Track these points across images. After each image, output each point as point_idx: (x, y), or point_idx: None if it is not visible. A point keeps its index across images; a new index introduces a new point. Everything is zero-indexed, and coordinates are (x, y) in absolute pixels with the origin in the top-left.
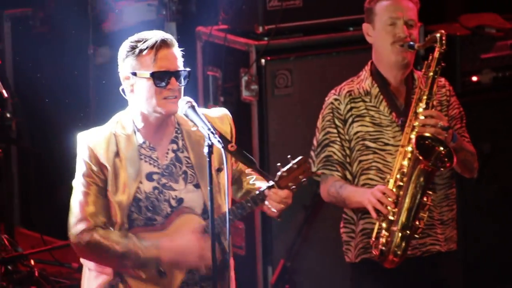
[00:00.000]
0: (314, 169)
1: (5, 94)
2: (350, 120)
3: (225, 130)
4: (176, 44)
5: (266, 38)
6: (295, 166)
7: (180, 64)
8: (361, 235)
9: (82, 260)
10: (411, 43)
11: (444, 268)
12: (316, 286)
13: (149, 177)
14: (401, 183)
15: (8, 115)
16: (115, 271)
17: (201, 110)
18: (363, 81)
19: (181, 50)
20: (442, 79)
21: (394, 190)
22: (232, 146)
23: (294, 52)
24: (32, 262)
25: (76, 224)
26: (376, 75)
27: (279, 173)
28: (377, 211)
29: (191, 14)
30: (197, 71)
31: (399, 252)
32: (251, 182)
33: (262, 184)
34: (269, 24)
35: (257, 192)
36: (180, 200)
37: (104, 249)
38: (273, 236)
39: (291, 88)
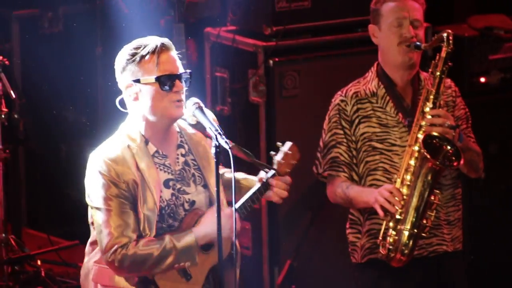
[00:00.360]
0: (320, 170)
1: (13, 95)
2: (356, 121)
3: None
4: (174, 47)
5: (274, 39)
6: (288, 151)
7: (181, 66)
8: (368, 235)
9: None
10: (418, 43)
11: (450, 268)
12: (323, 287)
13: (167, 184)
14: (408, 183)
15: (15, 116)
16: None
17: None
18: (369, 82)
19: (188, 51)
20: (448, 80)
21: (401, 189)
22: (229, 142)
23: (302, 53)
24: (39, 262)
25: (110, 245)
26: (383, 76)
27: (275, 161)
28: (384, 210)
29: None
30: (205, 72)
31: (406, 251)
32: (240, 177)
33: (252, 177)
34: (277, 25)
35: (262, 182)
36: (192, 203)
37: (142, 259)
38: (279, 236)
39: (299, 89)
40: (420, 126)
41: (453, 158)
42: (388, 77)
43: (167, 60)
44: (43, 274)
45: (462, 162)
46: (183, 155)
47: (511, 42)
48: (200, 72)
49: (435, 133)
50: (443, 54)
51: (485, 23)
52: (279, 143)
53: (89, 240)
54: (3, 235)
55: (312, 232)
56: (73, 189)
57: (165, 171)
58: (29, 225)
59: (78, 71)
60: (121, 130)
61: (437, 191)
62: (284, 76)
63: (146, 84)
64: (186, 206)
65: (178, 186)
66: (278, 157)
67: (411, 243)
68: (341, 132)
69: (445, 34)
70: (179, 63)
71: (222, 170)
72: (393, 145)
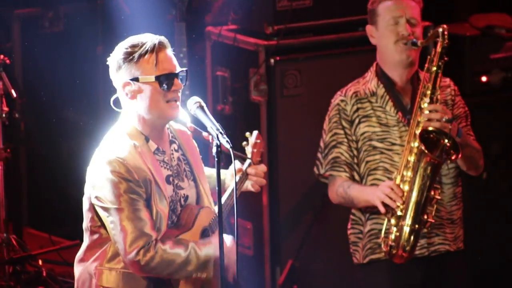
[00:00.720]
0: (322, 171)
1: (14, 94)
2: (356, 120)
3: None
4: (169, 45)
5: (275, 38)
6: (257, 140)
7: (177, 64)
8: (369, 235)
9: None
10: (414, 40)
11: (452, 267)
12: (324, 287)
13: (168, 180)
14: (408, 179)
15: (16, 115)
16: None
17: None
18: (369, 82)
19: (190, 50)
20: (447, 79)
21: (401, 186)
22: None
23: (303, 52)
24: (40, 262)
25: (133, 244)
26: (381, 76)
27: (250, 152)
28: (386, 206)
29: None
30: (206, 71)
31: (408, 248)
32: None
33: (223, 171)
34: (279, 24)
35: (242, 172)
36: (186, 198)
37: (168, 262)
38: (281, 236)
39: (300, 88)
40: (418, 122)
41: (451, 151)
42: (387, 77)
43: (165, 59)
44: (44, 274)
45: (460, 155)
46: (176, 151)
47: None
48: (201, 71)
49: (431, 128)
50: (439, 49)
51: (487, 22)
52: (247, 134)
53: (85, 245)
54: (4, 235)
55: (314, 232)
56: (74, 188)
57: (165, 168)
58: (30, 225)
59: (79, 70)
60: (118, 131)
61: (437, 186)
62: (285, 75)
63: (144, 83)
64: (182, 201)
65: (176, 181)
66: (249, 148)
67: (412, 239)
68: (342, 132)
69: (440, 29)
70: (175, 61)
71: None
72: (393, 144)
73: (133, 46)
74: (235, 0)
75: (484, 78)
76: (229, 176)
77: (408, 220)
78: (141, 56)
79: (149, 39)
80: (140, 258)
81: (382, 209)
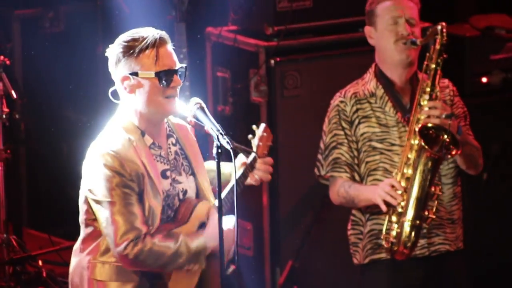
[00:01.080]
0: (323, 172)
1: (14, 95)
2: (356, 121)
3: None
4: (170, 40)
5: (275, 39)
6: (264, 134)
7: (177, 60)
8: (369, 236)
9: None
10: (414, 39)
11: (452, 267)
12: (324, 287)
13: (164, 175)
14: (408, 176)
15: (16, 116)
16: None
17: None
18: (368, 83)
19: (190, 51)
20: (446, 80)
21: (402, 182)
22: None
23: (303, 53)
24: (40, 262)
25: (123, 237)
26: (381, 76)
27: (254, 145)
28: (387, 204)
29: (201, 14)
30: (207, 72)
31: (409, 244)
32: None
33: (226, 163)
34: (279, 25)
35: (246, 166)
36: (185, 192)
37: (157, 255)
38: (281, 236)
39: (301, 89)
40: (418, 119)
41: (451, 147)
42: (386, 77)
43: (165, 55)
44: (44, 274)
45: (460, 151)
46: (173, 145)
47: None
48: (201, 72)
49: (430, 125)
50: (438, 46)
51: (487, 22)
52: (254, 126)
53: (81, 238)
54: (4, 235)
55: (314, 233)
56: (74, 189)
57: (161, 162)
58: (30, 226)
59: (79, 70)
60: (114, 124)
61: (438, 182)
62: (285, 76)
63: (144, 78)
64: (181, 195)
65: (173, 175)
66: (256, 141)
67: (413, 235)
68: (342, 132)
69: (439, 27)
70: (175, 57)
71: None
72: (393, 144)
73: (134, 40)
74: (235, 0)
75: (484, 79)
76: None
77: (409, 216)
78: (142, 50)
79: (150, 33)
80: (128, 251)
81: (384, 207)
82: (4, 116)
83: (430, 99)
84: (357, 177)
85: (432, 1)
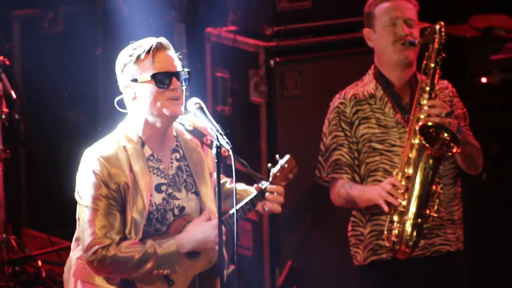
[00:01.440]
0: (323, 174)
1: (14, 95)
2: (356, 122)
3: None
4: (171, 46)
5: (275, 40)
6: (285, 165)
7: (178, 65)
8: (370, 237)
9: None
10: (412, 40)
11: (453, 268)
12: (324, 287)
13: (158, 188)
14: (409, 175)
15: (16, 116)
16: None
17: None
18: (367, 84)
19: (190, 51)
20: (445, 81)
21: (403, 181)
22: (224, 151)
23: (303, 53)
24: (40, 263)
25: (92, 244)
26: (380, 78)
27: (271, 173)
28: (389, 204)
29: (200, 15)
30: (206, 72)
31: (410, 243)
32: (239, 188)
33: (247, 187)
34: (279, 25)
35: (255, 194)
36: (182, 209)
37: (122, 261)
38: (280, 237)
39: (300, 90)
40: (418, 119)
41: (452, 144)
42: (386, 78)
43: (163, 59)
44: (43, 274)
45: (460, 149)
46: (177, 160)
47: None
48: (200, 72)
49: (430, 123)
50: (436, 45)
51: (486, 23)
52: (278, 156)
53: (75, 236)
54: (4, 235)
55: (313, 233)
56: (73, 189)
57: (158, 175)
58: (30, 226)
59: (78, 71)
60: (119, 129)
61: (439, 181)
62: (285, 76)
63: (143, 82)
64: (176, 211)
65: (170, 190)
66: (274, 170)
67: (415, 233)
68: (342, 134)
69: (437, 26)
70: (177, 62)
71: (223, 179)
72: (393, 145)
73: (134, 49)
74: (235, 1)
75: (484, 79)
76: (248, 194)
77: (411, 215)
78: (139, 57)
79: (149, 41)
80: (93, 258)
81: (385, 207)
82: (3, 116)
83: (430, 98)
84: (357, 178)
85: (433, 1)
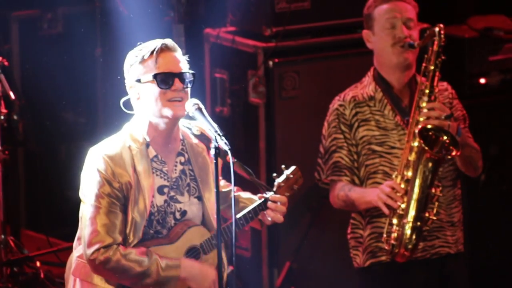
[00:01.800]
0: (323, 176)
1: (12, 96)
2: (356, 124)
3: None
4: (179, 49)
5: (274, 40)
6: (290, 176)
7: (184, 67)
8: (369, 239)
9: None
10: (411, 42)
11: (453, 270)
12: None
13: (161, 190)
14: (408, 178)
15: (15, 117)
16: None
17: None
18: (367, 86)
19: (188, 52)
20: (444, 83)
21: (402, 184)
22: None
23: (302, 54)
24: (38, 264)
25: (93, 241)
26: (379, 80)
27: (276, 183)
28: (388, 206)
29: (199, 16)
30: (205, 73)
31: (410, 246)
32: (244, 196)
33: (252, 196)
34: (277, 26)
35: (258, 203)
36: (184, 213)
37: (124, 269)
38: (279, 238)
39: (299, 90)
40: (417, 121)
41: (451, 147)
42: (385, 80)
43: (167, 60)
44: (42, 275)
45: (459, 152)
46: (182, 163)
47: (511, 43)
48: (199, 73)
49: (429, 126)
50: (436, 47)
51: (485, 24)
52: (283, 166)
53: (77, 235)
54: (2, 236)
55: (312, 234)
56: (72, 190)
57: (161, 177)
58: (28, 227)
59: (77, 72)
60: (125, 129)
61: (438, 184)
62: (283, 77)
63: (146, 83)
64: (178, 215)
65: (172, 193)
66: (279, 180)
67: (414, 237)
68: (341, 136)
69: (436, 29)
70: (182, 64)
71: (229, 187)
72: (393, 147)
73: (140, 50)
74: (234, 2)
75: (482, 80)
76: (252, 203)
77: (410, 218)
78: (143, 58)
79: (155, 42)
80: (96, 256)
81: (385, 210)
82: (2, 117)
83: (429, 100)
84: (357, 181)
85: (432, 2)
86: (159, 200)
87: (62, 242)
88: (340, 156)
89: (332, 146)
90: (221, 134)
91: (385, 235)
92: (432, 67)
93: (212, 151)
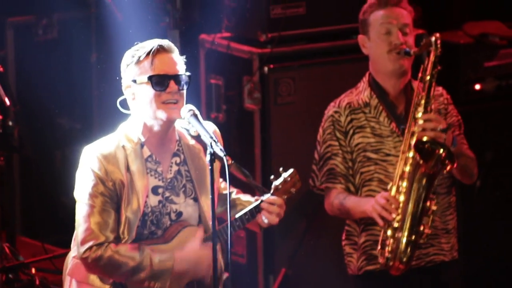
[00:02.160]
0: (317, 183)
1: (7, 102)
2: (351, 131)
3: None
4: (176, 50)
5: (269, 46)
6: (288, 178)
7: (180, 69)
8: (364, 247)
9: (69, 273)
10: (407, 49)
11: (448, 277)
12: None
13: (155, 191)
14: (403, 189)
15: (10, 123)
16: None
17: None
18: (362, 92)
19: (184, 58)
20: (440, 88)
21: (397, 196)
22: (228, 159)
23: (297, 60)
24: (33, 270)
25: (86, 239)
26: (374, 86)
27: (273, 186)
28: (383, 218)
29: (194, 22)
30: (200, 79)
31: (405, 259)
32: (244, 199)
33: (252, 199)
34: (272, 31)
35: (254, 205)
36: (179, 214)
37: (117, 265)
38: (274, 244)
39: (294, 96)
40: (413, 132)
41: (447, 161)
42: (380, 87)
43: (163, 61)
44: (37, 282)
45: (455, 165)
46: (177, 164)
47: (506, 49)
48: (194, 79)
49: (426, 138)
50: (432, 58)
51: (481, 30)
52: (281, 169)
53: (74, 235)
54: None
55: (307, 240)
56: (67, 196)
57: (155, 177)
58: (24, 233)
59: (73, 78)
60: (120, 129)
61: (433, 197)
62: (279, 83)
63: (141, 84)
64: (173, 216)
65: (167, 194)
66: (277, 182)
67: (409, 250)
68: (336, 143)
69: (433, 38)
70: (179, 66)
71: (226, 190)
72: (388, 155)
73: (136, 50)
74: (229, 7)
75: (478, 86)
76: (246, 208)
77: (405, 232)
78: (140, 58)
79: (152, 43)
80: (88, 255)
81: (380, 222)
82: None
83: (425, 111)
84: (352, 188)
85: (427, 8)
86: (153, 200)
87: (58, 248)
88: (335, 163)
89: (327, 153)
90: (216, 140)
91: (379, 247)
92: (428, 77)
93: (208, 157)
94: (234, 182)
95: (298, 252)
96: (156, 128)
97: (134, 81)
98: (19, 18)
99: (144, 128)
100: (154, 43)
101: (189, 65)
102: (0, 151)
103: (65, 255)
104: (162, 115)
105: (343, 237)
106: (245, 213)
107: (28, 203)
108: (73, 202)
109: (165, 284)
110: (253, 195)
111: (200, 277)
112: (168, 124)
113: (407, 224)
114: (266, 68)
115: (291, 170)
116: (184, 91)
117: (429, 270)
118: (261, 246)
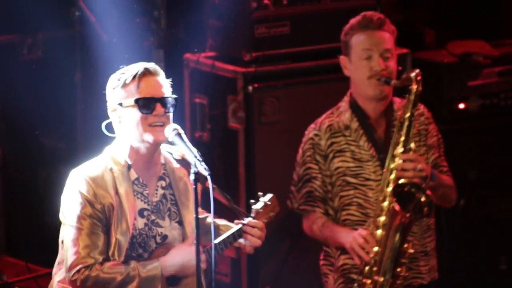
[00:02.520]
0: (295, 205)
1: None
2: (331, 155)
3: None
4: (162, 73)
5: (253, 65)
6: (268, 203)
7: (166, 91)
8: (342, 270)
9: None
10: (388, 79)
11: None
12: None
13: (141, 213)
14: (383, 224)
15: None
16: None
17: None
18: (343, 113)
19: (168, 77)
20: (421, 106)
21: (375, 232)
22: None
23: (281, 79)
24: None
25: (74, 264)
26: (355, 108)
27: (254, 210)
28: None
29: (179, 41)
30: (184, 99)
31: None
32: (221, 223)
33: (229, 223)
34: (257, 51)
35: (237, 228)
36: (164, 237)
37: (105, 281)
38: (258, 263)
39: (279, 115)
40: (391, 170)
41: (425, 209)
42: (361, 109)
43: (149, 84)
44: None
45: (432, 215)
46: (162, 188)
47: (490, 68)
48: (179, 98)
49: (403, 181)
50: (412, 96)
51: (464, 49)
52: (260, 193)
53: (57, 260)
54: None
55: (291, 259)
56: (51, 216)
57: (141, 200)
58: (7, 252)
59: (57, 97)
60: (106, 152)
61: (410, 239)
62: (263, 102)
63: (127, 107)
64: (158, 239)
65: (153, 217)
66: (257, 206)
67: None
68: (316, 166)
69: (413, 74)
70: (165, 89)
71: (203, 215)
72: (367, 179)
73: (122, 73)
74: (213, 27)
75: (461, 105)
76: (229, 230)
77: (382, 275)
78: (126, 81)
79: (138, 66)
80: (77, 277)
81: (357, 260)
82: None
83: (404, 151)
84: (330, 211)
85: (410, 27)
86: (140, 222)
87: (41, 268)
88: (314, 187)
89: (306, 175)
90: (200, 159)
91: (356, 285)
92: (408, 115)
93: (192, 176)
94: (216, 205)
95: (281, 271)
96: (142, 150)
97: (120, 104)
98: (3, 37)
99: (131, 150)
100: (140, 66)
101: (173, 84)
102: None
103: (48, 274)
104: (149, 137)
105: (321, 257)
106: (228, 237)
107: (12, 222)
108: (57, 221)
109: None
110: (230, 219)
111: (190, 276)
112: (155, 147)
113: (384, 269)
114: (250, 87)
115: (270, 195)
116: (171, 114)
117: None
118: (245, 265)
